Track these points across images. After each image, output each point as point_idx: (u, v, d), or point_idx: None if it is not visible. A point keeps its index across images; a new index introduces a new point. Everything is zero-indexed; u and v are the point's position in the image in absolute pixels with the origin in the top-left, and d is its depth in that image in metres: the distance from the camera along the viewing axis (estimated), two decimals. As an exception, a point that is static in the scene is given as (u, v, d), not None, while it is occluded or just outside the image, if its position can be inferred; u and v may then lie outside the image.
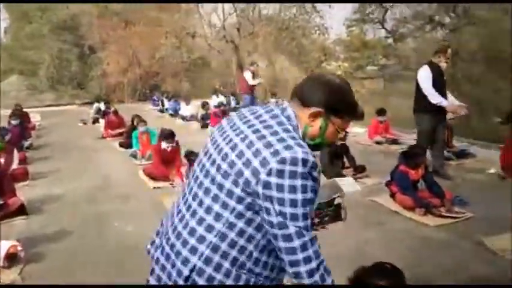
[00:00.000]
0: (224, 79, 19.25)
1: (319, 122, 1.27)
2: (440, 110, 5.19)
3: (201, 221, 1.24)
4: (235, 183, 1.18)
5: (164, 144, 5.74)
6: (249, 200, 1.17)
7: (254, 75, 9.98)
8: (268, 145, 1.15)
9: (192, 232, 1.24)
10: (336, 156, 5.66)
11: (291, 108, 1.27)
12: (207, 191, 1.25)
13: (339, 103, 1.27)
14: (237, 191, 1.18)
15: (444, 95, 5.26)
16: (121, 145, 7.82)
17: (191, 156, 4.41)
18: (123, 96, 17.86)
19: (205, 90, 20.42)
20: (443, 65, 5.28)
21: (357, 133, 8.90)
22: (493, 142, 7.32)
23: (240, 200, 1.18)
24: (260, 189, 1.14)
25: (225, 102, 13.91)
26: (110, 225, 4.17)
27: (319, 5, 17.01)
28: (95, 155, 7.54)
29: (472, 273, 3.11)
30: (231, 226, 1.20)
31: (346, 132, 5.56)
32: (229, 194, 1.19)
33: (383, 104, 20.60)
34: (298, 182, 1.12)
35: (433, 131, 5.29)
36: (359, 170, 5.56)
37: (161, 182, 5.57)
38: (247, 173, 1.15)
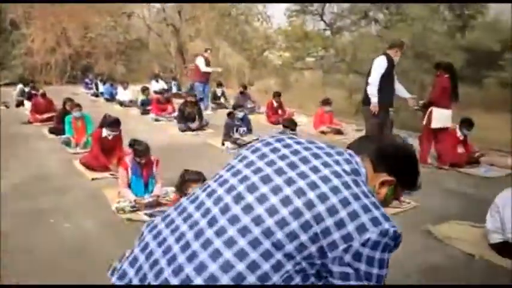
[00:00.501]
0: (163, 63, 18.49)
1: (385, 190, 1.14)
2: (389, 104, 5.34)
3: (215, 255, 0.94)
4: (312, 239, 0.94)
5: (106, 132, 5.27)
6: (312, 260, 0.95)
7: (207, 62, 9.51)
8: (366, 209, 0.96)
9: (200, 268, 0.92)
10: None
11: (364, 169, 1.09)
12: (233, 219, 0.97)
13: (411, 177, 1.19)
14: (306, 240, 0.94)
15: (393, 88, 5.42)
16: (51, 131, 7.12)
17: (136, 145, 4.06)
18: (50, 78, 16.40)
19: (141, 74, 19.49)
20: (396, 58, 5.41)
21: (302, 122, 9.00)
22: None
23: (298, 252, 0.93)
24: (347, 258, 0.95)
25: (166, 88, 13.38)
26: (45, 222, 3.72)
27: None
28: (21, 142, 6.76)
29: (421, 262, 3.20)
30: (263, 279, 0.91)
31: (295, 124, 5.52)
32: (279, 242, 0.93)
33: (322, 94, 21.28)
34: (385, 256, 0.97)
35: (382, 124, 5.43)
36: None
37: (100, 172, 5.12)
38: (336, 236, 0.93)
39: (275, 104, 8.94)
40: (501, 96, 31.02)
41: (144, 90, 10.10)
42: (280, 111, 8.98)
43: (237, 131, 6.72)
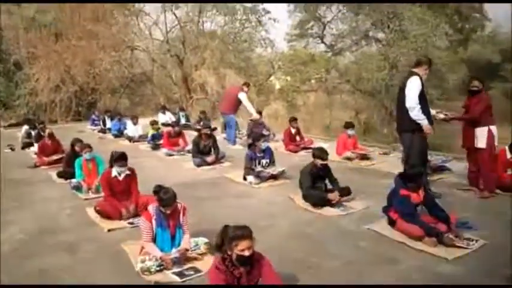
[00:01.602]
0: (167, 95, 18.12)
1: None
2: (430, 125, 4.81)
3: None
4: None
5: (115, 171, 4.69)
6: None
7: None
8: None
9: None
10: (317, 179, 5.01)
11: None
12: None
13: None
14: None
15: (429, 108, 4.90)
16: (59, 175, 6.54)
17: (162, 193, 3.47)
18: (55, 116, 15.97)
19: (146, 107, 19.13)
20: (425, 77, 4.92)
21: (321, 149, 8.42)
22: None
23: None
24: None
25: (174, 119, 12.90)
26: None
27: (264, 19, 16.70)
28: (27, 189, 6.18)
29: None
30: None
31: (325, 153, 4.96)
32: None
33: (327, 116, 20.84)
34: None
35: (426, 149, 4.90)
36: (344, 193, 4.95)
37: (117, 221, 4.52)
38: None
39: (293, 131, 8.39)
40: (506, 106, 30.63)
41: (154, 124, 9.58)
42: (298, 138, 8.42)
43: (259, 163, 6.15)
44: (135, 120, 10.37)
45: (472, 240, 3.66)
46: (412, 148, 4.88)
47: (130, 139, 10.07)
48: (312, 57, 17.07)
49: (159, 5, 16.55)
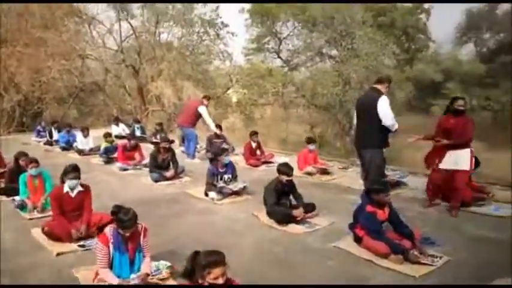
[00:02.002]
0: (121, 106, 17.43)
1: None
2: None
3: None
4: None
5: (67, 186, 4.29)
6: None
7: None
8: None
9: None
10: (282, 195, 4.91)
11: None
12: None
13: None
14: None
15: None
16: (1, 192, 5.94)
17: (122, 214, 3.17)
18: (-4, 127, 14.77)
19: (97, 118, 18.26)
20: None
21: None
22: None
23: None
24: None
25: (128, 132, 12.36)
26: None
27: (222, 32, 16.62)
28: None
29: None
30: None
31: (291, 169, 4.89)
32: None
33: (284, 129, 21.03)
34: None
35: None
36: (309, 209, 4.88)
37: (66, 243, 4.12)
38: None
39: (253, 145, 8.28)
40: (447, 122, 32.51)
41: (107, 136, 9.07)
42: (258, 152, 8.32)
43: (221, 178, 5.95)
44: (85, 132, 9.77)
45: (436, 257, 3.68)
46: (372, 163, 5.03)
47: (81, 152, 9.47)
48: (269, 72, 17.16)
49: (113, 13, 16.02)
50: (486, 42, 30.54)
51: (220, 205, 5.57)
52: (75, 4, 15.53)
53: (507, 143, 27.43)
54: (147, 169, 7.47)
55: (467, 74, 29.51)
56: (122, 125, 12.72)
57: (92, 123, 16.98)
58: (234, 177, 6.06)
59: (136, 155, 8.08)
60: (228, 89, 17.29)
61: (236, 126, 16.59)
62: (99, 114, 18.33)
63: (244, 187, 5.87)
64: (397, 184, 6.17)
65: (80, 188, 4.39)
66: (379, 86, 5.02)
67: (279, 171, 4.87)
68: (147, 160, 7.87)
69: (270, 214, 4.84)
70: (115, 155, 8.53)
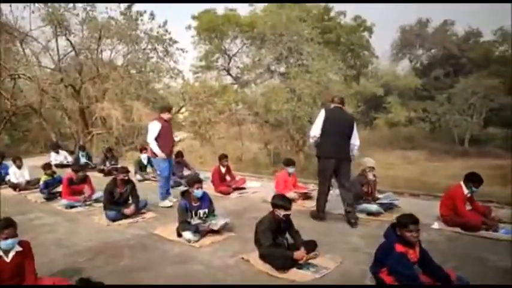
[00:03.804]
0: (61, 130, 15.59)
1: None
2: None
3: None
4: None
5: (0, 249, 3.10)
6: None
7: (166, 127, 6.36)
8: None
9: None
10: (277, 233, 4.05)
11: None
12: None
13: None
14: None
15: None
16: None
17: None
18: None
19: (32, 144, 16.21)
20: None
21: (254, 188, 7.53)
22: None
23: None
24: None
25: (70, 159, 10.83)
26: None
27: (172, 49, 15.57)
28: None
29: None
30: None
31: (289, 201, 4.08)
32: None
33: (238, 147, 20.22)
34: None
35: None
36: (310, 248, 4.05)
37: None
38: None
39: (223, 170, 7.32)
40: (388, 134, 33.82)
41: (47, 167, 7.58)
42: (228, 178, 7.38)
43: (196, 214, 4.95)
44: (17, 161, 8.18)
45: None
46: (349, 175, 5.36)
47: (16, 187, 7.89)
48: (223, 89, 16.36)
49: (48, 29, 14.34)
50: (419, 57, 32.38)
51: (199, 248, 4.56)
52: (4, 19, 13.68)
53: (445, 152, 28.92)
54: (99, 205, 6.27)
55: (405, 88, 30.95)
56: (63, 153, 11.13)
57: (26, 151, 14.97)
58: (211, 212, 5.09)
59: (86, 189, 6.77)
60: (181, 108, 16.17)
61: (194, 148, 15.49)
62: (34, 140, 16.26)
63: (226, 223, 4.92)
64: (390, 208, 5.58)
65: (17, 249, 3.20)
66: (343, 107, 5.40)
67: (275, 205, 4.01)
68: (97, 194, 6.66)
69: (265, 258, 3.95)
70: (58, 189, 7.14)
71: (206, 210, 5.03)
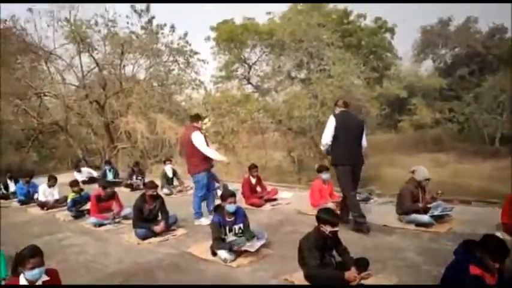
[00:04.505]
0: (87, 146, 15.63)
1: None
2: None
3: None
4: None
5: (25, 278, 2.80)
6: None
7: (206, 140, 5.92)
8: None
9: None
10: (324, 251, 3.63)
11: None
12: None
13: None
14: None
15: None
16: None
17: None
18: None
19: (60, 161, 16.33)
20: None
21: (287, 199, 7.13)
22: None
23: None
24: None
25: (94, 174, 10.72)
26: None
27: (193, 60, 15.45)
28: None
29: None
30: None
31: (336, 216, 3.68)
32: None
33: (262, 156, 19.90)
34: None
35: None
36: (362, 268, 3.61)
37: None
38: None
39: (253, 181, 6.95)
40: (414, 136, 32.73)
41: (74, 185, 7.39)
42: (259, 189, 7.00)
43: (230, 230, 4.59)
44: (52, 181, 8.02)
45: None
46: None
47: (44, 205, 7.75)
48: (246, 98, 16.10)
49: (71, 47, 14.47)
50: (443, 57, 31.36)
51: (236, 268, 4.19)
52: (29, 39, 13.87)
53: (474, 153, 27.72)
54: (128, 222, 6.01)
55: (429, 89, 29.97)
56: (85, 170, 11.00)
57: (54, 168, 15.05)
58: (247, 226, 4.71)
59: (114, 206, 6.53)
60: (205, 118, 15.98)
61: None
62: (61, 157, 16.37)
63: (263, 244, 4.50)
64: (441, 217, 5.05)
65: (44, 278, 2.90)
66: (348, 110, 5.25)
67: (321, 219, 3.60)
68: (126, 210, 6.41)
69: (312, 279, 3.54)
70: (86, 207, 6.93)
71: (241, 225, 4.66)
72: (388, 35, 22.73)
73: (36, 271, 2.80)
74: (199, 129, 5.97)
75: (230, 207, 4.61)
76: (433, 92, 29.74)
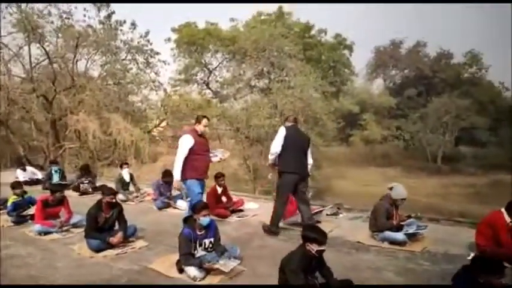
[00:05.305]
0: (29, 143, 14.26)
1: None
2: None
3: None
4: None
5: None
6: None
7: (201, 141, 5.29)
8: None
9: None
10: (308, 272, 3.35)
11: None
12: None
13: None
14: None
15: None
16: None
17: None
18: None
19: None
20: None
21: (253, 210, 6.81)
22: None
23: None
24: None
25: (38, 176, 9.75)
26: None
27: (153, 60, 14.73)
28: None
29: None
30: None
31: (324, 235, 3.40)
32: None
33: (218, 164, 19.42)
34: None
35: None
36: (346, 290, 3.37)
37: None
38: None
39: (219, 190, 6.55)
40: (364, 151, 33.94)
41: (16, 187, 6.52)
42: (224, 199, 6.60)
43: (200, 245, 4.16)
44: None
45: None
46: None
47: (-22, 210, 6.77)
48: (207, 103, 15.62)
49: (20, 36, 13.18)
50: (393, 77, 32.96)
51: (206, 287, 3.77)
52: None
53: (419, 169, 29.15)
54: (78, 230, 5.38)
55: (380, 107, 31.30)
56: (30, 169, 10.00)
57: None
58: (217, 241, 4.32)
59: (62, 212, 5.82)
60: (162, 121, 15.26)
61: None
62: (1, 155, 14.82)
63: (237, 264, 4.12)
64: (413, 235, 4.97)
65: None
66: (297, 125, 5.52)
67: (308, 238, 3.30)
68: (76, 218, 5.74)
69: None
70: (29, 211, 6.13)
71: (212, 240, 4.25)
72: (347, 52, 23.38)
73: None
74: (196, 131, 5.28)
75: (204, 221, 4.18)
76: (383, 109, 31.08)
